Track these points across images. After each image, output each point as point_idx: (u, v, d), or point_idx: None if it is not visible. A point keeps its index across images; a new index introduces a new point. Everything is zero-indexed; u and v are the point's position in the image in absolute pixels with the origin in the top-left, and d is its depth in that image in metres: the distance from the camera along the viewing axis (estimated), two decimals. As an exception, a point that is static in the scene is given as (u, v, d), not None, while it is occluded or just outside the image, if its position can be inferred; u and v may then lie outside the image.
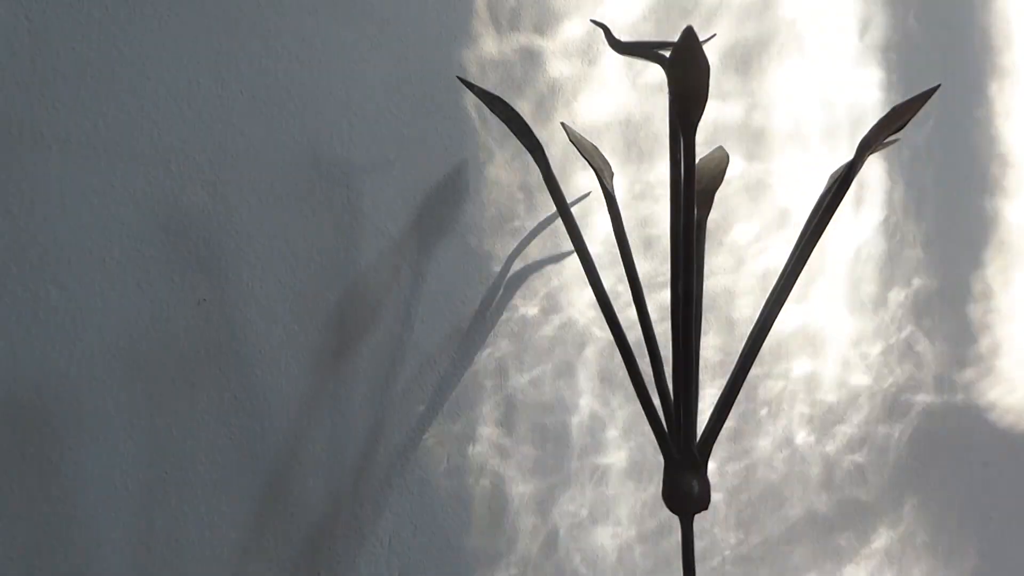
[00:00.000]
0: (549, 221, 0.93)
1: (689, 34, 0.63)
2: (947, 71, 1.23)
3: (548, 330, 0.93)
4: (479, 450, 0.90)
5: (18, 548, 0.68)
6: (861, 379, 1.16)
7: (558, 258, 0.94)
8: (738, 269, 1.05)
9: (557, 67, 0.93)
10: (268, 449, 0.79)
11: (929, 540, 1.24)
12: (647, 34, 0.99)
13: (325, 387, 0.81)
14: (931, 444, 1.23)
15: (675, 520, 0.97)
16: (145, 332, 0.73)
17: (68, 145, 0.70)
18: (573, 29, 0.94)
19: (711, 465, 1.03)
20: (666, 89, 0.68)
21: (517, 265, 0.91)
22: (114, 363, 0.72)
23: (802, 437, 1.11)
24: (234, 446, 0.77)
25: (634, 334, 0.76)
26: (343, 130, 0.82)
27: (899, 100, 1.13)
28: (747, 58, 1.05)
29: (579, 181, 0.94)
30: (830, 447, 1.14)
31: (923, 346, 1.22)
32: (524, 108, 0.91)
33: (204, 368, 0.76)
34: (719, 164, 0.84)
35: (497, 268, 0.90)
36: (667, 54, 0.70)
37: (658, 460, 0.99)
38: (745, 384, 0.74)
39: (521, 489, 0.92)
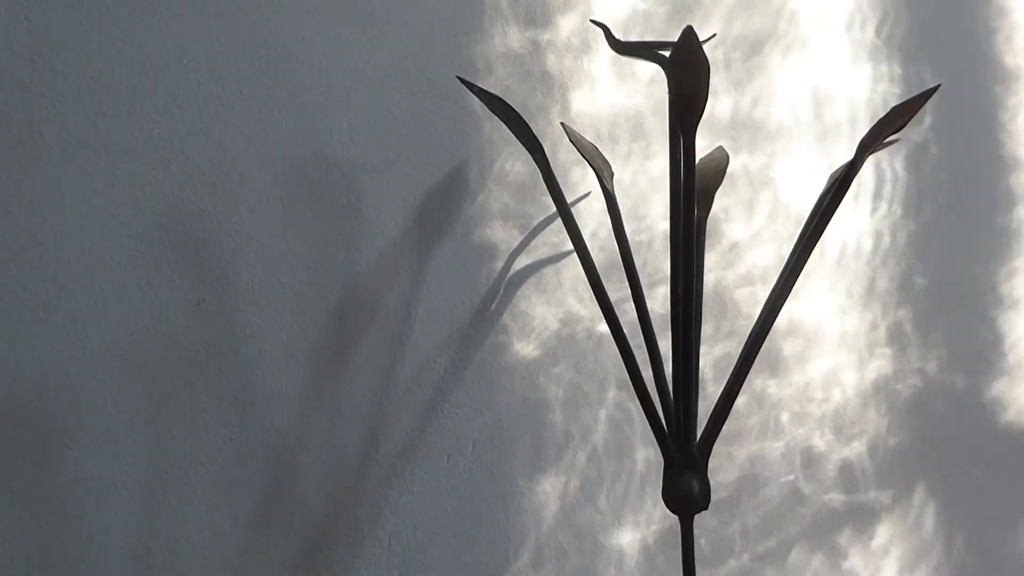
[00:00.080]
0: (549, 221, 0.93)
1: (689, 34, 0.63)
2: (947, 71, 1.23)
3: (548, 330, 0.93)
4: (479, 450, 0.90)
5: (18, 548, 0.68)
6: (861, 378, 1.16)
7: (558, 258, 0.94)
8: (737, 268, 1.05)
9: (557, 67, 0.93)
10: (268, 449, 0.79)
11: (929, 539, 1.24)
12: (647, 31, 0.99)
13: (325, 387, 0.81)
14: (931, 444, 1.23)
15: (667, 521, 0.97)
16: (145, 332, 0.73)
17: (68, 145, 0.70)
18: (573, 28, 0.94)
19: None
20: (665, 87, 0.68)
21: (517, 265, 0.91)
22: (114, 363, 0.72)
23: (801, 437, 1.11)
24: (234, 446, 0.77)
25: (634, 334, 0.76)
26: (343, 130, 0.82)
27: (899, 99, 1.13)
28: (747, 57, 1.05)
29: (579, 181, 0.94)
30: (829, 446, 1.14)
31: (923, 346, 1.22)
32: (524, 108, 0.91)
33: (204, 368, 0.76)
34: (719, 164, 0.84)
35: (497, 268, 0.90)
36: (667, 54, 0.70)
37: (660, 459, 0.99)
38: (744, 383, 0.74)
39: (522, 489, 0.92)
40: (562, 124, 0.86)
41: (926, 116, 1.21)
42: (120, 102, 0.72)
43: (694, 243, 0.70)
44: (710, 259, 1.02)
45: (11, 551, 0.68)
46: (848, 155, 0.79)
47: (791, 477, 1.10)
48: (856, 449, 1.16)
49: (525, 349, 0.92)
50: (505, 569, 0.91)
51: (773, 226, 1.07)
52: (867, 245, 1.17)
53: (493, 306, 0.90)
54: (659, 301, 0.97)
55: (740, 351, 0.73)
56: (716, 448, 1.01)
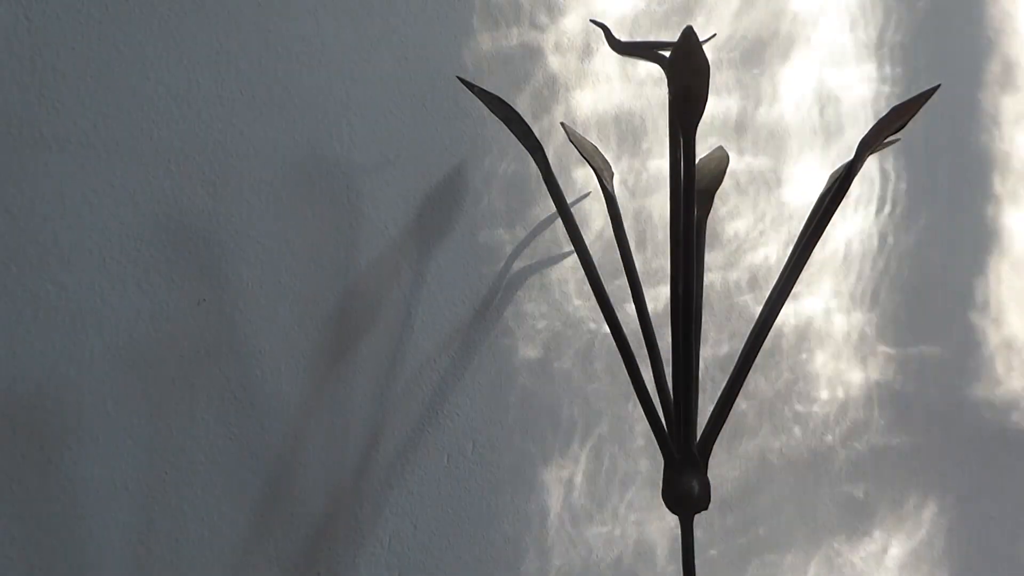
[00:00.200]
0: (549, 221, 0.93)
1: (689, 34, 0.63)
2: (947, 71, 1.23)
3: (548, 330, 0.93)
4: (479, 450, 0.90)
5: (18, 548, 0.68)
6: (861, 378, 1.16)
7: (558, 258, 0.94)
8: (737, 267, 1.05)
9: (557, 66, 0.93)
10: (268, 449, 0.79)
11: (928, 539, 1.24)
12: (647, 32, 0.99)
13: (325, 387, 0.81)
14: (931, 443, 1.23)
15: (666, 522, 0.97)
16: (145, 332, 0.73)
17: (68, 145, 0.70)
18: (573, 27, 0.94)
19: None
20: (664, 85, 0.68)
21: (517, 265, 0.91)
22: (114, 363, 0.72)
23: (801, 436, 1.11)
24: (234, 446, 0.77)
25: (634, 334, 0.76)
26: (343, 130, 0.82)
27: (899, 99, 1.13)
28: (747, 56, 1.05)
29: (579, 181, 0.94)
30: (828, 447, 1.14)
31: (923, 345, 1.22)
32: (524, 108, 0.91)
33: (204, 368, 0.76)
34: (719, 164, 0.84)
35: (497, 268, 0.90)
36: (667, 54, 0.69)
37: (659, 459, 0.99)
38: (744, 383, 0.74)
39: (522, 489, 0.92)
40: (562, 124, 0.86)
41: (926, 116, 1.21)
42: (120, 102, 0.72)
43: (694, 243, 0.70)
44: (711, 259, 1.02)
45: (11, 551, 0.68)
46: (848, 155, 0.79)
47: (788, 477, 1.10)
48: (854, 450, 1.16)
49: (525, 349, 0.92)
50: (506, 569, 0.91)
51: (773, 226, 1.07)
52: (866, 245, 1.17)
53: (493, 306, 0.90)
54: (659, 301, 0.97)
55: (740, 351, 0.73)
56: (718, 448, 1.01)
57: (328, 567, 0.82)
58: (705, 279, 0.85)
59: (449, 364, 0.88)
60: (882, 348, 1.18)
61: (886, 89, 1.17)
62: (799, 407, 1.11)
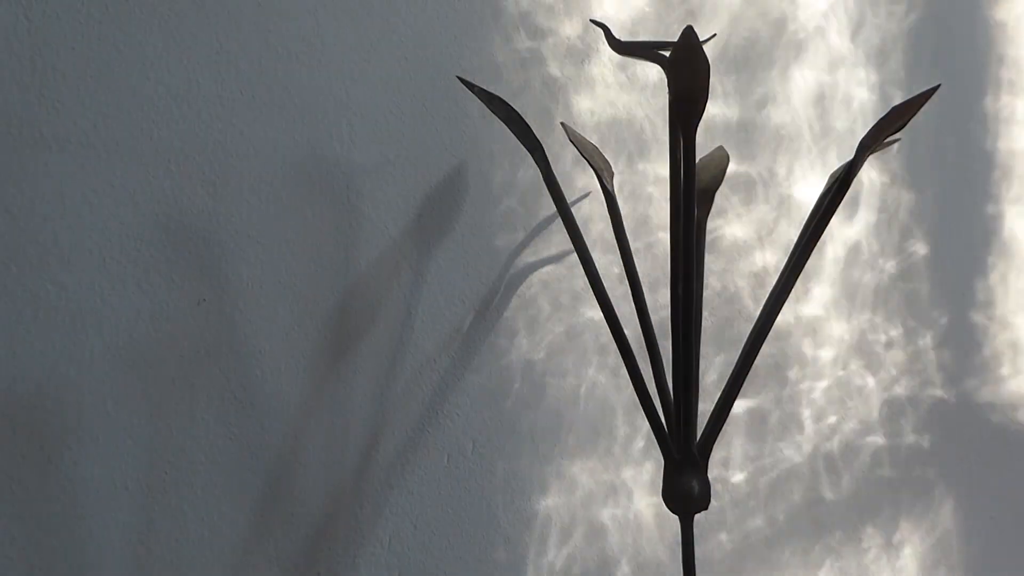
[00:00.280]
0: (549, 221, 0.93)
1: (689, 34, 0.63)
2: (947, 71, 1.23)
3: (548, 330, 0.93)
4: (479, 450, 0.90)
5: (18, 548, 0.68)
6: (860, 378, 1.16)
7: (558, 258, 0.94)
8: (737, 268, 1.05)
9: (557, 66, 0.93)
10: (268, 449, 0.79)
11: (927, 539, 1.24)
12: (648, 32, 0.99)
13: (325, 387, 0.81)
14: (930, 444, 1.23)
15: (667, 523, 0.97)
16: (145, 332, 0.73)
17: (68, 145, 0.70)
18: (573, 28, 0.94)
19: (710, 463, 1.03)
20: (665, 87, 0.68)
21: (517, 265, 0.91)
22: (114, 363, 0.72)
23: (800, 436, 1.11)
24: (234, 446, 0.77)
25: (634, 334, 0.76)
26: (343, 130, 0.82)
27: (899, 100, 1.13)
28: (747, 56, 1.05)
29: (579, 181, 0.94)
30: (829, 447, 1.14)
31: (924, 345, 1.22)
32: (524, 108, 0.91)
33: (204, 368, 0.76)
34: (719, 164, 0.84)
35: (497, 268, 0.90)
36: (667, 54, 0.69)
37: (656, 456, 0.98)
38: (744, 383, 0.74)
39: (522, 489, 0.92)
40: (562, 124, 0.86)
41: (926, 117, 1.21)
42: (120, 102, 0.72)
43: (694, 243, 0.70)
44: (709, 258, 1.02)
45: (11, 551, 0.68)
46: (848, 155, 0.79)
47: (786, 476, 1.10)
48: (855, 450, 1.16)
49: (525, 349, 0.92)
50: (506, 569, 0.91)
51: (774, 226, 1.07)
52: (866, 244, 1.17)
53: (493, 306, 0.90)
54: (660, 301, 0.97)
55: (740, 350, 0.73)
56: (721, 448, 1.01)
57: (328, 567, 0.82)
58: (704, 278, 0.85)
59: (449, 364, 0.88)
60: (881, 347, 1.18)
61: (889, 92, 1.17)
62: (800, 407, 1.11)
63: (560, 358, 0.94)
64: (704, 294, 0.89)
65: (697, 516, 0.80)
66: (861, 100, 1.15)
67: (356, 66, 0.82)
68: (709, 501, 0.73)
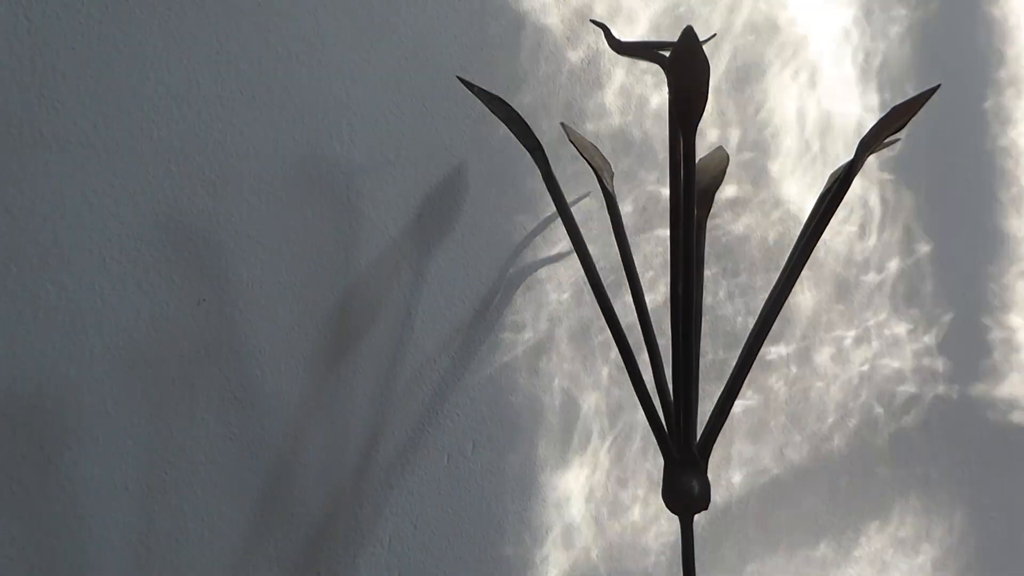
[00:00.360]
0: (549, 221, 0.93)
1: (689, 34, 0.63)
2: (947, 72, 1.23)
3: (548, 330, 0.93)
4: (479, 450, 0.90)
5: (18, 548, 0.68)
6: (861, 378, 1.16)
7: (558, 258, 0.94)
8: (737, 267, 1.05)
9: (557, 66, 0.93)
10: (268, 449, 0.79)
11: (927, 538, 1.24)
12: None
13: (325, 387, 0.81)
14: (931, 443, 1.23)
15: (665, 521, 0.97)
16: (145, 332, 0.73)
17: (68, 145, 0.70)
18: (574, 28, 0.94)
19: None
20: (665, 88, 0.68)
21: (517, 265, 0.91)
22: (114, 363, 0.72)
23: (800, 436, 1.11)
24: (234, 446, 0.77)
25: (634, 334, 0.76)
26: (343, 130, 0.82)
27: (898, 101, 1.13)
28: (747, 57, 1.05)
29: (579, 181, 0.94)
30: (829, 446, 1.14)
31: (924, 344, 1.22)
32: (524, 108, 0.91)
33: (204, 368, 0.76)
34: (719, 164, 0.84)
35: (497, 268, 0.90)
36: (667, 54, 0.69)
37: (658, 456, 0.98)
38: (744, 383, 0.74)
39: (522, 489, 0.92)
40: (562, 124, 0.86)
41: (926, 117, 1.21)
42: (120, 102, 0.72)
43: (694, 243, 0.70)
44: (708, 258, 1.02)
45: (11, 551, 0.68)
46: (848, 155, 0.79)
47: (786, 476, 1.10)
48: (855, 449, 1.16)
49: (525, 349, 0.92)
50: (506, 570, 0.91)
51: (772, 224, 1.07)
52: (866, 244, 1.17)
53: (493, 306, 0.90)
54: (659, 301, 0.97)
55: (740, 350, 0.73)
56: (722, 448, 1.01)
57: (328, 567, 0.82)
58: (704, 279, 0.85)
59: (449, 364, 0.88)
60: (881, 347, 1.18)
61: (889, 96, 1.17)
62: (801, 408, 1.11)
63: (560, 358, 0.94)
64: (704, 295, 0.89)
65: (697, 516, 0.80)
66: (861, 100, 1.15)
67: (356, 66, 0.82)
68: (709, 501, 0.73)
